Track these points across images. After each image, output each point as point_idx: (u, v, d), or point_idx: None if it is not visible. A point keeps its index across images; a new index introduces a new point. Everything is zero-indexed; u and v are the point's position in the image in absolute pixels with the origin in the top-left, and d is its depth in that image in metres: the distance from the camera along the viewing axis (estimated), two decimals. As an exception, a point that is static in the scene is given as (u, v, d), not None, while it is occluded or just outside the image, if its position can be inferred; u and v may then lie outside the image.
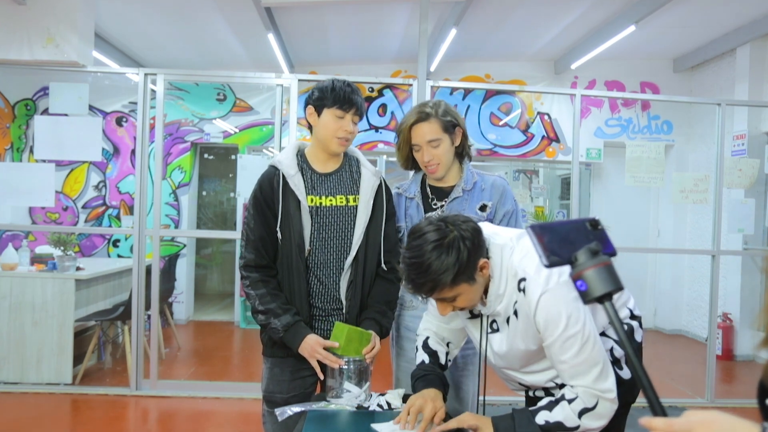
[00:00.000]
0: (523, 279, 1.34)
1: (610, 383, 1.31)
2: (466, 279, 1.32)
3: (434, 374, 1.55)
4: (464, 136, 1.97)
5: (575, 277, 0.92)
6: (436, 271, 1.28)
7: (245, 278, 1.83)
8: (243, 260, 1.84)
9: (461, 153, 2.00)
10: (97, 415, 3.53)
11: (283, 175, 1.81)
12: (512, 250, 1.38)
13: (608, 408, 1.31)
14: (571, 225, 0.99)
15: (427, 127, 1.89)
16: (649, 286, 6.60)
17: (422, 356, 1.62)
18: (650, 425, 0.77)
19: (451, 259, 1.28)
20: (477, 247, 1.33)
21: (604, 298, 0.90)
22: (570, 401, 1.32)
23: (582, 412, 1.30)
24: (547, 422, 1.32)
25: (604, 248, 0.94)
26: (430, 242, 1.29)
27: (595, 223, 0.99)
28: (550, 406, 1.34)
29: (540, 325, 1.32)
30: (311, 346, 1.72)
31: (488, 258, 1.38)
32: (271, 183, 1.82)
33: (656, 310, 6.57)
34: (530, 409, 1.37)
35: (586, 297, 0.91)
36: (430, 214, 1.96)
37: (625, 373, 1.46)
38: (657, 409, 0.81)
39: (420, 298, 1.37)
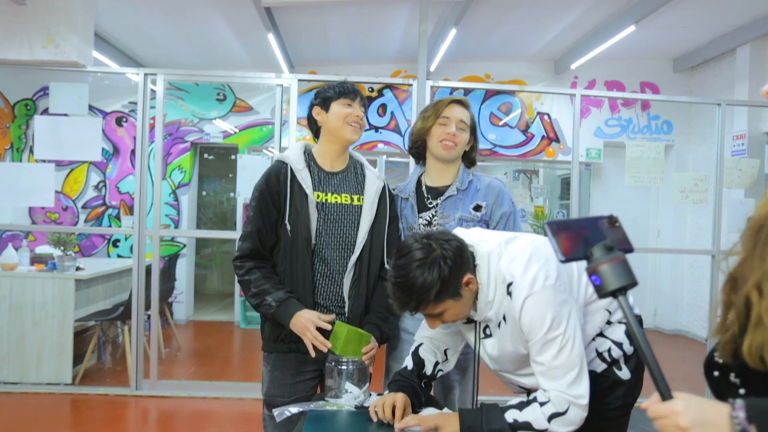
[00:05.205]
0: (511, 283, 1.35)
1: (584, 389, 1.32)
2: (450, 295, 1.34)
3: (408, 382, 1.56)
4: (474, 146, 2.07)
5: (590, 272, 0.94)
6: (419, 290, 1.31)
7: (239, 268, 1.82)
8: (238, 251, 1.83)
9: (466, 156, 2.05)
10: (97, 415, 3.53)
11: (291, 170, 1.82)
12: (500, 255, 1.39)
13: (579, 414, 1.32)
14: (588, 222, 1.01)
15: (464, 112, 2.01)
16: (649, 286, 6.60)
17: (408, 362, 1.63)
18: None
19: (433, 277, 1.30)
20: (459, 264, 1.34)
21: (618, 293, 0.92)
22: (542, 404, 1.32)
23: (552, 416, 1.31)
24: (515, 421, 1.33)
25: (621, 245, 0.96)
26: (415, 261, 1.32)
27: (613, 221, 1.01)
28: (520, 406, 1.35)
29: (524, 327, 1.33)
30: (303, 323, 1.71)
31: (475, 272, 1.38)
32: (278, 176, 1.82)
33: (656, 310, 6.57)
34: (500, 406, 1.37)
35: (600, 291, 0.94)
36: (423, 213, 1.97)
37: (624, 374, 1.46)
38: (664, 392, 0.86)
39: (409, 314, 1.39)
